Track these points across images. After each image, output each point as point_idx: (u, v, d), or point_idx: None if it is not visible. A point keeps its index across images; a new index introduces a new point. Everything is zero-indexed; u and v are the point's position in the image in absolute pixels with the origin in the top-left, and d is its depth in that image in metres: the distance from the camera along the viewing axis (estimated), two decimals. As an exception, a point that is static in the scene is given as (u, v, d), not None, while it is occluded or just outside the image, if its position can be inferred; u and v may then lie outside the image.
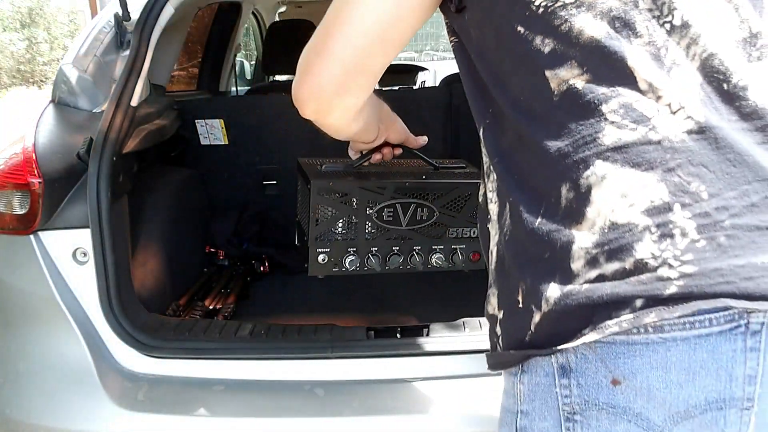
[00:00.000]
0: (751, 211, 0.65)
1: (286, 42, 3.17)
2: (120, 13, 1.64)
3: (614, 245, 0.65)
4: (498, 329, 0.79)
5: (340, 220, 1.35)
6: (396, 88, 4.24)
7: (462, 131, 2.18)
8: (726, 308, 0.63)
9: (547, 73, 0.68)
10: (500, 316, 0.78)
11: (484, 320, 1.44)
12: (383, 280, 1.83)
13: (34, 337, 1.40)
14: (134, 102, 1.55)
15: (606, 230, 0.66)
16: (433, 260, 1.43)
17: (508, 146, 0.75)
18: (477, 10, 0.75)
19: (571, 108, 0.67)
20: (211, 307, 1.80)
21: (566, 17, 0.68)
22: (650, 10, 0.68)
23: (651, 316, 0.63)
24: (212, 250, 2.16)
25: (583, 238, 0.67)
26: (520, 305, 0.73)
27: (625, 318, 0.64)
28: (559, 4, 0.68)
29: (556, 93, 0.68)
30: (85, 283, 1.38)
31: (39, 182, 1.36)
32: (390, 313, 1.80)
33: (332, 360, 1.36)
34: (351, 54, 0.77)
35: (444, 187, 1.38)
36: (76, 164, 1.41)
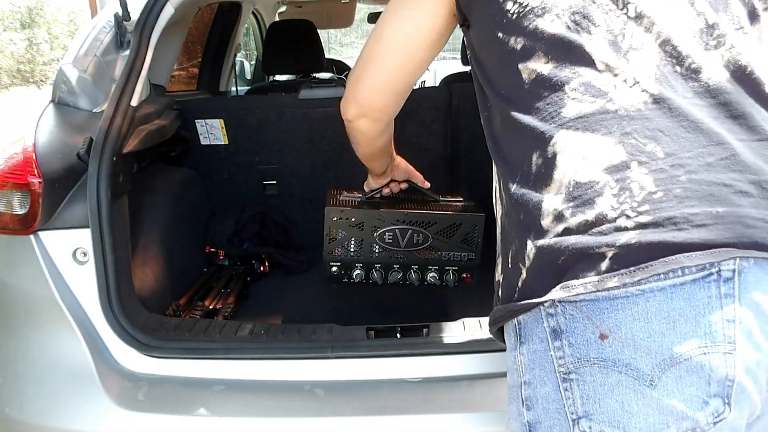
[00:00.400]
0: (707, 169, 0.72)
1: (286, 42, 3.17)
2: (120, 13, 1.64)
3: (578, 201, 0.73)
4: (499, 292, 0.87)
5: (349, 240, 1.65)
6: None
7: (462, 131, 2.17)
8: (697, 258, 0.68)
9: (520, 66, 0.81)
10: (500, 279, 0.87)
11: (484, 320, 1.44)
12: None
13: (34, 337, 1.40)
14: (134, 102, 1.55)
15: (571, 189, 0.74)
16: (428, 278, 1.70)
17: (497, 130, 0.88)
18: (476, 26, 0.90)
19: (539, 91, 0.79)
20: (211, 307, 1.80)
21: (533, 18, 0.80)
22: (606, 4, 0.79)
23: (614, 281, 0.70)
24: (212, 250, 2.16)
25: (551, 198, 0.76)
26: (510, 265, 0.83)
27: (590, 280, 0.71)
28: (528, 8, 0.81)
29: (527, 82, 0.80)
30: (85, 283, 1.38)
31: (39, 182, 1.36)
32: (390, 313, 1.80)
33: (332, 360, 1.36)
34: (386, 75, 1.01)
35: (436, 217, 1.64)
36: (76, 164, 1.41)
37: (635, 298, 0.70)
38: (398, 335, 1.47)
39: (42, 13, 13.56)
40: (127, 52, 1.59)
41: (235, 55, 3.48)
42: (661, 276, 0.68)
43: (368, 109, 1.08)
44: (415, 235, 1.66)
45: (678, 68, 0.77)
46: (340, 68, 4.92)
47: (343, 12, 4.58)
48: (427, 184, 1.60)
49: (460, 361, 1.35)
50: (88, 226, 1.36)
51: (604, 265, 0.71)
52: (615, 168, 0.73)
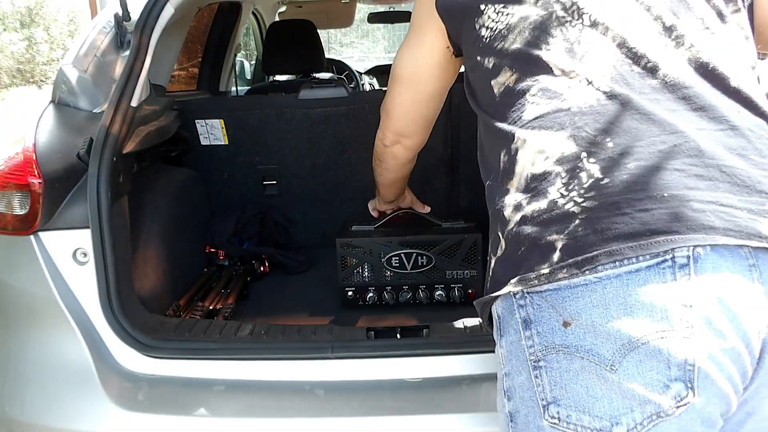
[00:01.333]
0: (658, 156, 0.74)
1: (286, 42, 3.16)
2: (120, 13, 1.64)
3: (534, 192, 0.79)
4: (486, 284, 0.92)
5: (362, 267, 1.82)
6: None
7: (462, 131, 2.17)
8: (652, 244, 0.70)
9: (492, 82, 0.90)
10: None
11: (484, 320, 1.45)
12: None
13: (34, 337, 1.40)
14: (134, 102, 1.55)
15: (528, 180, 0.80)
16: (436, 296, 1.82)
17: (481, 139, 0.97)
18: (465, 54, 1.00)
19: (507, 100, 0.87)
20: (211, 308, 1.80)
21: (500, 39, 0.89)
22: (563, 17, 0.85)
23: (563, 272, 0.73)
24: (212, 250, 2.16)
25: (512, 190, 0.82)
26: (488, 257, 0.89)
27: (543, 272, 0.75)
28: (496, 32, 0.90)
29: (498, 95, 0.89)
30: (85, 283, 1.38)
31: (39, 182, 1.36)
32: (390, 313, 1.80)
33: (332, 360, 1.36)
34: (407, 107, 1.19)
35: (437, 239, 1.79)
36: (76, 164, 1.41)
37: (593, 285, 0.72)
38: (398, 335, 1.47)
39: (42, 13, 13.55)
40: (127, 53, 1.59)
41: (235, 55, 3.48)
42: (614, 264, 0.71)
43: (401, 137, 1.25)
44: (419, 257, 1.80)
45: (635, 67, 0.81)
46: (340, 68, 4.92)
47: (343, 12, 4.58)
48: (428, 209, 1.81)
49: (460, 361, 1.35)
50: (88, 227, 1.36)
51: (555, 256, 0.75)
52: (566, 159, 0.78)
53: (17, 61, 12.95)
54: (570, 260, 0.73)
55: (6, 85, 12.69)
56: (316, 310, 1.86)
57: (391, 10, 4.92)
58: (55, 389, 1.37)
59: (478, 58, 0.93)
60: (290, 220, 2.32)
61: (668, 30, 0.84)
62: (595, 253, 0.72)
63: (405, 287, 1.82)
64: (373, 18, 5.06)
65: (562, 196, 0.76)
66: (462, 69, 1.08)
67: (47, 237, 1.37)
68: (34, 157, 1.38)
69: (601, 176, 0.75)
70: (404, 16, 4.73)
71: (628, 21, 0.84)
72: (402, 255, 1.80)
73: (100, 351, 1.38)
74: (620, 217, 0.72)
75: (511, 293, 0.80)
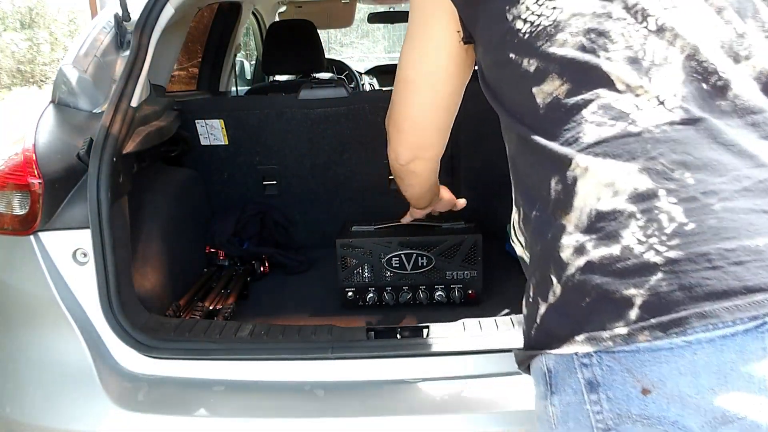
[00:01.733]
0: (744, 195, 0.65)
1: (286, 42, 3.16)
2: (120, 14, 1.64)
3: (601, 233, 0.67)
4: (524, 326, 0.81)
5: (361, 267, 1.82)
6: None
7: (462, 131, 2.17)
8: (748, 306, 0.60)
9: (534, 90, 0.75)
10: (525, 312, 0.81)
11: (484, 321, 1.44)
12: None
13: (35, 337, 1.40)
14: (134, 102, 1.55)
15: (593, 219, 0.68)
16: (436, 296, 1.82)
17: (513, 152, 0.82)
18: (483, 45, 0.85)
19: (556, 115, 0.73)
20: (211, 308, 1.80)
21: (545, 37, 0.75)
22: (624, 18, 0.73)
23: (644, 335, 0.62)
24: (212, 250, 2.16)
25: (570, 228, 0.69)
26: (531, 299, 0.76)
27: (619, 333, 0.64)
28: (540, 28, 0.75)
29: (542, 106, 0.75)
30: (85, 283, 1.38)
31: (39, 183, 1.36)
32: (390, 313, 1.80)
33: (332, 360, 1.36)
34: (422, 113, 0.99)
35: (437, 240, 1.78)
36: (76, 165, 1.41)
37: (681, 350, 0.62)
38: (398, 336, 1.47)
39: (42, 13, 13.55)
40: (127, 53, 1.59)
41: (235, 55, 3.48)
42: (707, 327, 0.61)
43: (419, 150, 1.08)
44: (420, 258, 1.80)
45: (704, 85, 0.70)
46: (340, 68, 4.92)
47: (343, 12, 4.58)
48: (463, 202, 1.64)
49: (460, 361, 1.35)
50: (88, 227, 1.36)
51: (633, 314, 0.64)
52: (641, 196, 0.66)
53: (18, 61, 12.96)
54: (653, 320, 0.62)
55: (6, 85, 12.69)
56: (316, 310, 1.86)
57: (391, 10, 4.93)
58: (55, 389, 1.37)
59: (512, 55, 0.78)
60: (290, 220, 2.32)
61: (740, 38, 0.73)
62: (684, 314, 0.61)
63: (405, 288, 1.83)
64: (373, 18, 5.06)
65: (640, 242, 0.64)
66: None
67: (47, 237, 1.37)
68: (34, 158, 1.38)
69: (685, 220, 0.64)
70: (404, 16, 4.71)
71: (699, 26, 0.72)
72: (402, 255, 1.80)
73: (100, 351, 1.38)
74: (711, 272, 0.62)
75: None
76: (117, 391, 1.35)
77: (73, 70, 1.58)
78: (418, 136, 1.04)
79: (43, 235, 1.37)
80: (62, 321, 1.37)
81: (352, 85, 4.64)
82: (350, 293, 1.84)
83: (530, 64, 0.76)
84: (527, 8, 0.77)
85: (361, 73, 5.17)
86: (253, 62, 4.40)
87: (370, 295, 1.83)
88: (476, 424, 1.28)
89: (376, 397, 1.33)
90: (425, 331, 1.46)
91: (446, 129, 1.04)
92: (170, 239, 1.84)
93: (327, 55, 3.73)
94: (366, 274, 1.83)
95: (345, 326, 1.49)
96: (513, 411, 1.27)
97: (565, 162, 0.71)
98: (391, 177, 2.20)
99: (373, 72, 5.26)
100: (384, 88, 4.61)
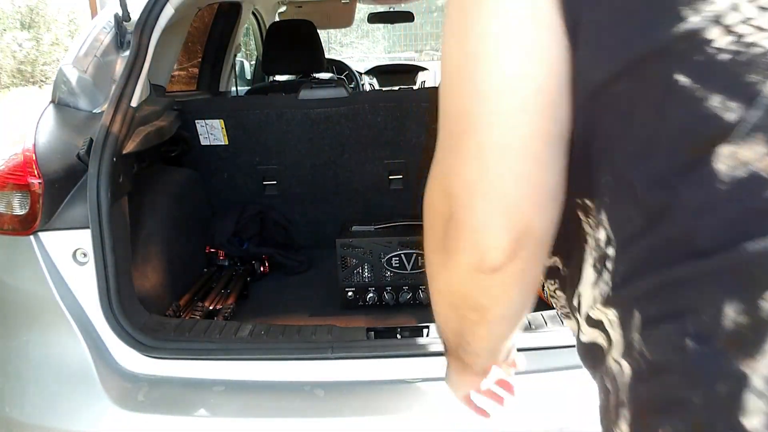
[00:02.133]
0: None
1: (286, 42, 3.16)
2: (120, 14, 1.64)
3: None
4: None
5: (361, 267, 1.82)
6: (396, 88, 4.24)
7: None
8: None
9: (718, 148, 0.44)
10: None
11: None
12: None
13: (35, 337, 1.40)
14: (134, 102, 1.55)
15: None
16: None
17: (632, 231, 0.50)
18: (591, 46, 0.50)
19: (753, 204, 0.43)
20: (211, 308, 1.80)
21: (762, 64, 0.43)
22: None
23: None
24: (212, 250, 2.16)
25: (758, 381, 0.42)
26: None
27: None
28: (758, 49, 0.43)
29: (726, 178, 0.44)
30: (85, 283, 1.38)
31: (39, 183, 1.36)
32: (390, 313, 1.80)
33: (332, 360, 1.36)
34: (530, 163, 0.51)
35: None
36: (76, 165, 1.41)
37: None
38: (398, 336, 1.47)
39: (42, 14, 13.56)
40: (127, 53, 1.59)
41: (235, 55, 3.48)
42: None
43: (529, 230, 0.52)
44: (420, 258, 1.81)
45: None
46: (340, 68, 4.92)
47: (343, 12, 4.57)
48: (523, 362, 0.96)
49: (460, 361, 1.35)
50: (88, 227, 1.36)
51: None
52: None
53: (18, 61, 12.96)
54: None
55: (6, 85, 12.69)
56: (316, 310, 1.86)
57: (391, 10, 4.92)
58: (55, 389, 1.37)
59: (682, 79, 0.45)
60: (290, 220, 2.32)
61: None
62: None
63: (405, 288, 1.83)
64: (373, 18, 5.05)
65: None
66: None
67: (47, 237, 1.37)
68: (34, 158, 1.38)
69: None
70: (404, 16, 4.73)
71: None
72: (402, 255, 1.81)
73: (100, 351, 1.38)
74: None
75: None
76: (117, 391, 1.35)
77: (73, 70, 1.58)
78: (529, 204, 0.52)
79: (43, 235, 1.37)
80: (62, 321, 1.37)
81: (352, 85, 4.64)
82: (350, 293, 1.85)
83: (727, 106, 0.44)
84: (736, 8, 0.44)
85: (361, 73, 5.17)
86: (253, 62, 4.40)
87: (370, 294, 1.84)
88: (476, 425, 1.28)
89: (376, 397, 1.33)
90: (425, 331, 1.46)
91: (561, 193, 0.54)
92: (170, 239, 1.84)
93: (327, 55, 3.73)
94: (366, 274, 1.84)
95: (345, 326, 1.49)
96: (512, 410, 1.27)
97: (752, 279, 0.43)
98: (391, 177, 2.21)
99: (373, 72, 5.26)
100: (384, 88, 4.62)
